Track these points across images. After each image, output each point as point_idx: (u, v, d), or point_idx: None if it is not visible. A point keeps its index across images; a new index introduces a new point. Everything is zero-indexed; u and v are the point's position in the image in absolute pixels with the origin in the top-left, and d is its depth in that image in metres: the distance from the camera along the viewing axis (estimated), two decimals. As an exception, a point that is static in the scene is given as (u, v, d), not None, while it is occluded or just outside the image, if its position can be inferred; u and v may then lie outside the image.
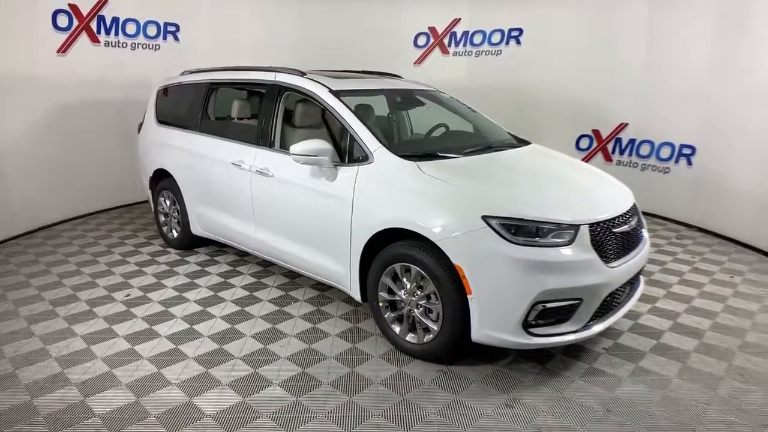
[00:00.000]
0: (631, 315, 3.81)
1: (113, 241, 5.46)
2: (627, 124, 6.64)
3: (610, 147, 6.86)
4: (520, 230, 2.82)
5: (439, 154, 3.46)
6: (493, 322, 2.85)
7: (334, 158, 3.49)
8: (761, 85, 5.05)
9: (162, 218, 5.26)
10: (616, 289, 3.08)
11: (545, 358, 3.22)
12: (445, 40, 7.89)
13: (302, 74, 4.01)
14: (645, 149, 6.48)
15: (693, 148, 5.93)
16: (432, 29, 7.90)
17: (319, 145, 3.39)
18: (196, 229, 4.81)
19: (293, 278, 4.44)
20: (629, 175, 6.67)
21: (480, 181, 3.16)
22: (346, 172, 3.42)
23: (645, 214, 6.48)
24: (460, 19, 7.76)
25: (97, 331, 3.58)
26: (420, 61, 8.03)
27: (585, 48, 6.81)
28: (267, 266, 4.69)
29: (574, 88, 7.00)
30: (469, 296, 2.86)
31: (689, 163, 5.98)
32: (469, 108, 4.61)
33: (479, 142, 4.06)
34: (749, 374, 3.06)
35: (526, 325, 2.83)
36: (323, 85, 3.80)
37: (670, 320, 3.74)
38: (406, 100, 4.55)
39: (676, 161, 6.13)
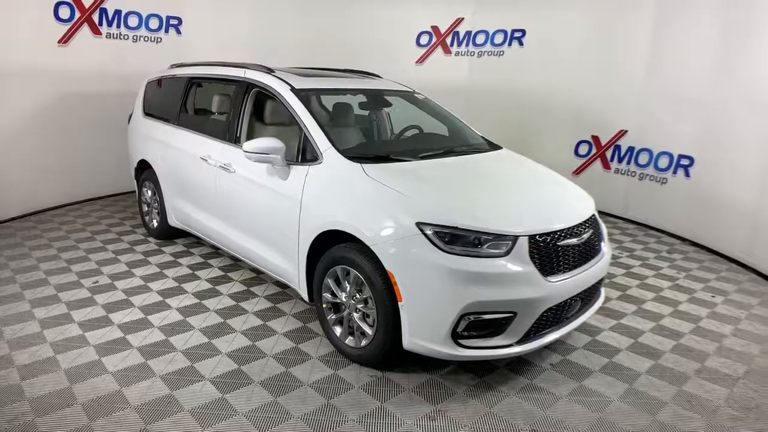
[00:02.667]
0: (591, 330, 3.69)
1: (99, 228, 5.59)
2: (626, 131, 6.44)
3: (608, 154, 6.66)
4: (454, 239, 2.75)
5: (391, 156, 3.42)
6: (422, 330, 2.79)
7: (289, 157, 3.48)
8: (761, 97, 4.81)
9: (145, 208, 5.36)
10: (566, 304, 2.99)
11: (486, 371, 3.15)
12: (448, 40, 7.80)
13: (270, 71, 4.00)
14: (644, 158, 6.26)
15: (691, 159, 5.71)
16: (435, 28, 7.82)
17: (270, 143, 3.38)
18: (173, 220, 4.87)
19: (260, 274, 4.46)
20: (627, 184, 6.49)
21: (422, 186, 3.10)
22: (298, 171, 3.41)
23: (641, 225, 6.35)
24: (463, 18, 7.65)
25: (55, 315, 3.66)
26: (422, 60, 7.95)
27: (587, 52, 6.64)
28: (238, 260, 4.72)
29: (575, 91, 6.83)
30: (399, 303, 2.81)
31: (687, 174, 5.76)
32: (445, 110, 4.52)
33: (443, 145, 3.99)
34: (697, 401, 2.92)
35: (456, 336, 2.77)
36: (286, 82, 3.79)
37: (631, 339, 3.60)
38: (373, 100, 4.50)
39: (674, 172, 5.91)
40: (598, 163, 6.81)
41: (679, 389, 3.03)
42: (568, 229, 3.01)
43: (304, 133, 3.46)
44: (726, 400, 2.93)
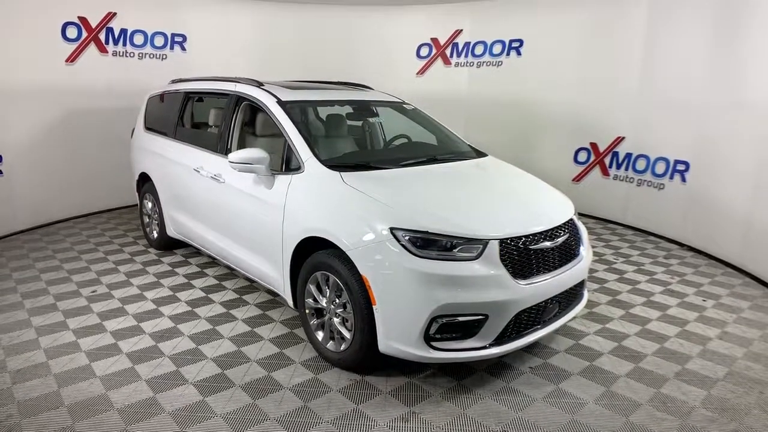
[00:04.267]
0: (575, 334, 3.71)
1: (103, 239, 5.75)
2: (624, 138, 6.44)
3: (607, 161, 6.66)
4: (426, 243, 2.81)
5: (371, 165, 3.50)
6: (396, 333, 2.85)
7: (274, 167, 3.58)
8: (754, 102, 4.80)
9: (146, 219, 5.51)
10: (542, 306, 3.03)
11: (464, 374, 3.18)
12: (447, 51, 7.90)
13: (259, 85, 4.13)
14: (641, 164, 6.26)
15: (687, 164, 5.69)
16: (434, 40, 7.93)
17: (254, 153, 3.49)
18: (171, 231, 5.01)
19: (253, 283, 4.55)
20: (626, 190, 6.48)
21: (397, 192, 3.17)
22: (282, 180, 3.50)
23: (640, 231, 6.32)
24: (462, 30, 7.74)
25: (51, 323, 3.79)
26: (422, 71, 8.06)
27: (584, 59, 6.69)
28: (233, 270, 4.83)
29: (573, 99, 6.86)
30: (374, 307, 2.87)
31: (683, 179, 5.74)
32: (434, 119, 4.60)
33: (427, 153, 4.07)
34: (672, 403, 2.92)
35: (429, 339, 2.82)
36: (273, 95, 3.90)
37: (615, 342, 3.61)
38: (360, 111, 4.59)
39: (671, 177, 5.89)
40: (597, 170, 6.81)
41: (656, 391, 3.03)
42: (542, 232, 3.05)
43: (288, 143, 3.57)
44: (702, 401, 2.92)
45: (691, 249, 5.67)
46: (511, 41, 7.40)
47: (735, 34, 5.02)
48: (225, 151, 4.12)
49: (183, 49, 7.28)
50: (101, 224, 6.38)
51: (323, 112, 4.71)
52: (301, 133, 3.57)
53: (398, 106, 4.65)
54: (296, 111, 3.86)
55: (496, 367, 3.27)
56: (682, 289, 4.58)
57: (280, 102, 3.82)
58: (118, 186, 6.99)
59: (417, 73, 8.08)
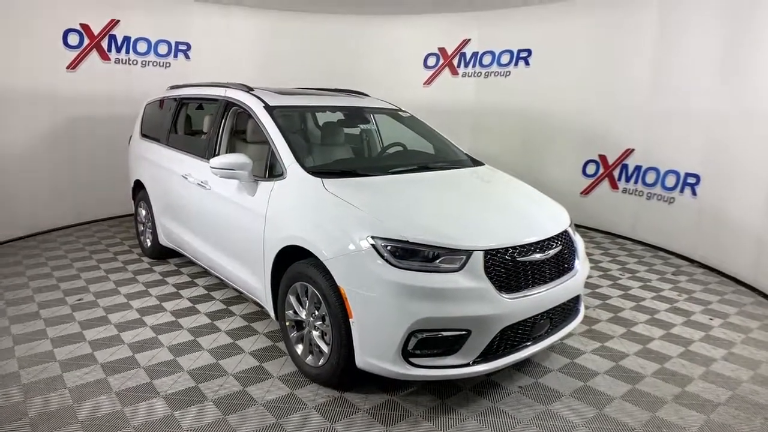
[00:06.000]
0: (570, 353, 3.51)
1: (99, 247, 5.70)
2: (633, 150, 6.23)
3: (616, 174, 6.45)
4: (407, 254, 2.67)
5: (357, 172, 3.37)
6: (373, 349, 2.70)
7: (257, 173, 3.48)
8: (764, 113, 4.59)
9: (141, 228, 5.44)
10: (531, 322, 2.86)
11: (449, 393, 3.01)
12: (455, 61, 7.78)
13: (248, 90, 4.04)
14: (651, 177, 6.04)
15: (698, 177, 5.46)
16: (442, 50, 7.82)
17: (237, 159, 3.39)
18: (162, 239, 4.92)
19: (242, 293, 4.42)
20: (635, 204, 6.27)
21: (379, 200, 3.04)
22: (264, 187, 3.40)
23: (650, 246, 6.09)
24: (469, 39, 7.63)
25: (31, 332, 3.70)
26: (429, 81, 7.95)
27: (593, 70, 6.52)
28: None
29: (582, 110, 6.69)
30: (350, 320, 2.73)
31: (694, 193, 5.51)
32: (430, 127, 4.47)
33: (421, 161, 3.94)
34: (668, 428, 2.72)
35: (407, 355, 2.66)
36: (261, 99, 3.81)
37: (612, 362, 3.41)
38: (353, 118, 4.48)
39: (681, 191, 5.67)
40: (605, 183, 6.60)
41: (652, 415, 2.83)
42: (531, 244, 2.89)
43: (272, 149, 3.46)
44: (700, 427, 2.72)
45: (702, 266, 5.42)
46: (519, 51, 7.26)
47: (747, 43, 4.82)
48: (213, 158, 4.02)
49: (187, 57, 7.27)
50: (100, 232, 6.34)
51: (320, 120, 4.62)
52: (285, 138, 3.46)
53: (394, 114, 4.53)
54: (283, 116, 3.76)
55: (484, 386, 3.09)
56: (689, 307, 4.35)
57: (267, 107, 3.73)
58: (119, 194, 6.93)
59: (424, 84, 7.97)
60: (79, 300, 4.28)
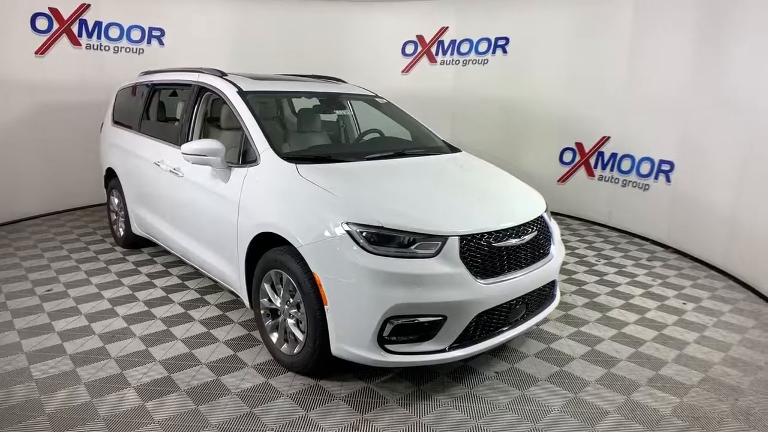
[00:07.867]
0: (546, 338, 3.53)
1: (70, 237, 5.57)
2: (609, 138, 6.28)
3: (592, 161, 6.50)
4: (382, 240, 2.64)
5: (332, 157, 3.33)
6: (348, 336, 2.67)
7: (231, 159, 3.41)
8: (738, 102, 4.64)
9: (113, 217, 5.32)
10: (507, 307, 2.86)
11: (425, 379, 3.00)
12: (433, 49, 7.73)
13: (222, 74, 3.95)
14: (626, 164, 6.10)
15: (672, 164, 5.53)
16: (420, 37, 7.76)
17: (209, 144, 3.32)
18: (135, 228, 4.82)
19: (218, 282, 4.36)
20: (611, 191, 6.32)
21: (354, 186, 3.00)
22: (238, 173, 3.33)
23: (625, 233, 6.15)
24: (447, 27, 7.58)
25: (-3, 323, 3.60)
26: (407, 69, 7.89)
27: (570, 58, 6.54)
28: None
29: (559, 98, 6.71)
30: (325, 307, 2.70)
31: (668, 179, 5.57)
32: (408, 114, 4.43)
33: (397, 147, 3.90)
34: (642, 411, 2.74)
35: (383, 341, 2.64)
36: (234, 84, 3.73)
37: (588, 347, 3.43)
38: (329, 104, 4.42)
39: (656, 178, 5.73)
40: (582, 171, 6.64)
41: (626, 398, 2.85)
42: (507, 229, 2.88)
43: (245, 134, 3.39)
44: (673, 409, 2.75)
45: (675, 251, 5.50)
46: (497, 39, 7.24)
47: (721, 34, 4.86)
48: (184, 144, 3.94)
49: (161, 43, 7.10)
50: (72, 222, 6.19)
51: (297, 106, 4.55)
52: (259, 123, 3.39)
53: (371, 100, 4.48)
54: (257, 102, 3.68)
55: (460, 372, 3.09)
56: (663, 292, 4.40)
57: (240, 92, 3.65)
58: (91, 183, 6.77)
59: (402, 71, 7.91)
60: (49, 290, 4.17)
